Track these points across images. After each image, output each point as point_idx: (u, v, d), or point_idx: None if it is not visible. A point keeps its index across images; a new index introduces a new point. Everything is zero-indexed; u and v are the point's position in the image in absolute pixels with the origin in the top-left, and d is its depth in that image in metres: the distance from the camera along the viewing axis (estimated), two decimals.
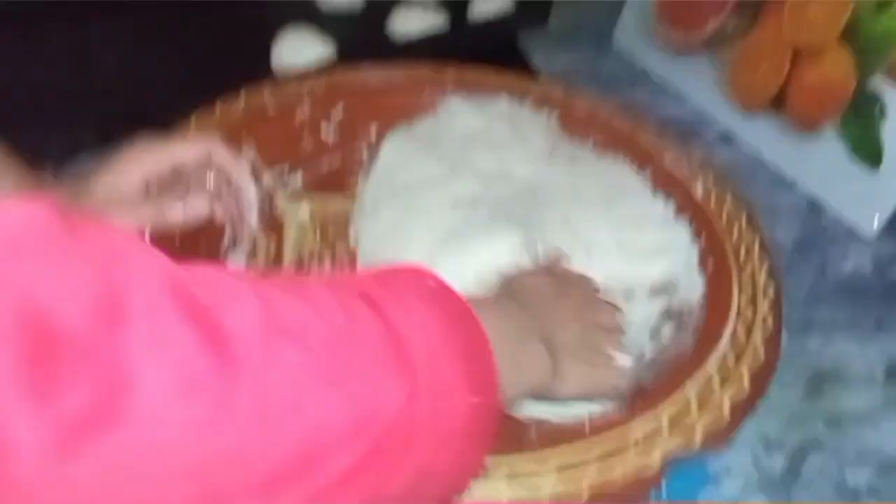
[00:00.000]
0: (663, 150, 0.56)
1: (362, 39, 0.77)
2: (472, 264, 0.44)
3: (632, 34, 0.83)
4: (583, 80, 0.79)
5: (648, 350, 0.47)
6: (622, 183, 0.55)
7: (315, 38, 0.69)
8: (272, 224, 0.55)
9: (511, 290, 0.41)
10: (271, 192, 0.56)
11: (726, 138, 0.73)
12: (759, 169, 0.70)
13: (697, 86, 0.75)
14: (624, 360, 0.41)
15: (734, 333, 0.44)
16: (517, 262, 0.45)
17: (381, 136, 0.61)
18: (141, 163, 0.45)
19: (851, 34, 0.62)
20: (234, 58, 0.70)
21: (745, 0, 0.71)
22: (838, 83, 0.63)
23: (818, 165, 0.67)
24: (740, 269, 0.48)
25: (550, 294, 0.41)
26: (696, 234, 0.52)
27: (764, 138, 0.70)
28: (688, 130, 0.73)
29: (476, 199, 0.51)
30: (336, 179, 0.60)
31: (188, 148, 0.47)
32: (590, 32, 0.87)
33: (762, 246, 0.49)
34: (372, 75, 0.62)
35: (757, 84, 0.70)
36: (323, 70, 0.62)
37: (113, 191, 0.44)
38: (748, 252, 0.48)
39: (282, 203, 0.57)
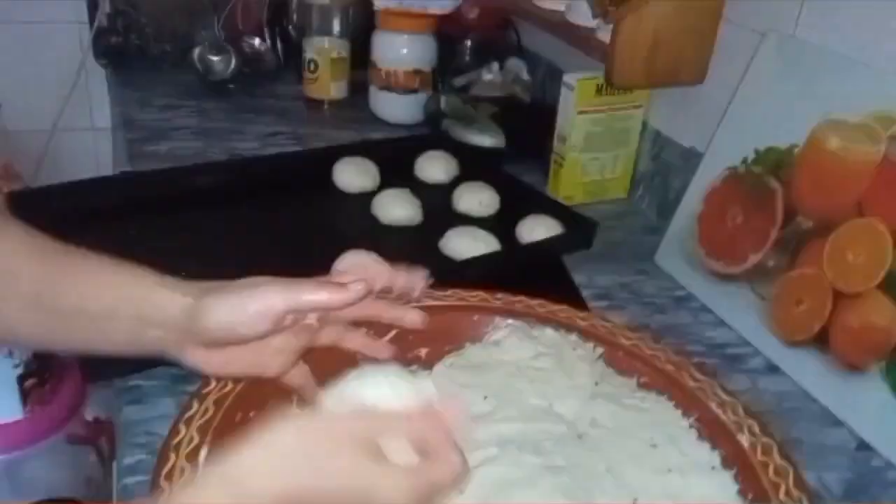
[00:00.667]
0: (708, 394, 0.57)
1: (417, 256, 0.82)
2: None
3: (673, 258, 0.86)
4: (624, 300, 0.82)
5: None
6: (667, 427, 0.56)
7: (372, 258, 0.74)
8: None
9: None
10: None
11: (772, 369, 0.73)
12: (805, 404, 0.70)
13: (740, 314, 0.77)
14: None
15: None
16: None
17: (430, 357, 0.63)
18: (268, 291, 0.46)
19: (892, 282, 0.64)
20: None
21: (785, 237, 0.74)
22: (881, 329, 0.64)
23: (865, 405, 0.66)
24: None
25: None
26: (743, 490, 0.51)
27: (809, 372, 0.70)
28: (732, 357, 0.74)
29: (520, 439, 0.52)
30: None
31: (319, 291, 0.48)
32: (631, 254, 0.91)
33: None
34: (425, 300, 0.66)
35: (799, 320, 0.71)
36: (381, 293, 0.66)
37: (233, 313, 0.46)
38: None
39: None
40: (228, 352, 0.48)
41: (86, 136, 1.61)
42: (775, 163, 0.76)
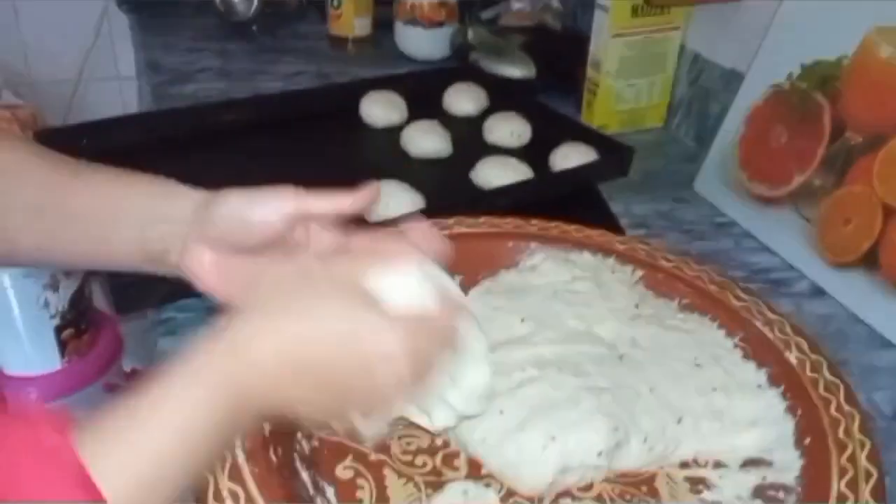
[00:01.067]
0: (754, 313, 0.55)
1: (448, 187, 0.80)
2: (558, 448, 0.43)
3: (713, 184, 0.83)
4: (663, 228, 0.80)
5: None
6: (711, 347, 0.54)
7: (404, 188, 0.73)
8: None
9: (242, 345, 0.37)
10: None
11: (817, 292, 0.71)
12: (853, 326, 0.67)
13: (784, 238, 0.75)
14: (366, 429, 0.41)
15: None
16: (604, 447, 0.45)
17: (464, 285, 0.62)
18: (282, 190, 0.45)
19: None
20: None
21: (832, 155, 0.71)
22: None
23: None
24: (840, 449, 0.45)
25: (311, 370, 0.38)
26: (791, 406, 0.50)
27: (857, 295, 0.68)
28: (776, 282, 0.72)
29: (560, 361, 0.51)
30: None
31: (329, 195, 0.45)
32: (669, 181, 0.88)
33: (862, 424, 0.47)
34: (458, 227, 0.64)
35: (847, 241, 0.68)
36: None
37: (246, 200, 0.45)
38: (847, 431, 0.46)
39: None
40: (229, 263, 0.46)
41: (111, 84, 1.61)
42: (822, 77, 0.72)
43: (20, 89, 1.43)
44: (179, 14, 1.35)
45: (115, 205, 0.46)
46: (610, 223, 0.75)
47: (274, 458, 0.44)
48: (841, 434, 0.46)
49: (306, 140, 0.89)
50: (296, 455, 0.47)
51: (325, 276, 0.40)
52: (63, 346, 1.22)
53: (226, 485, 0.41)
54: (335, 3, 1.22)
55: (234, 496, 0.40)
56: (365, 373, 0.38)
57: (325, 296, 0.39)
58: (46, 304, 1.17)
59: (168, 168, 0.84)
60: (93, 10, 1.51)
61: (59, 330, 1.20)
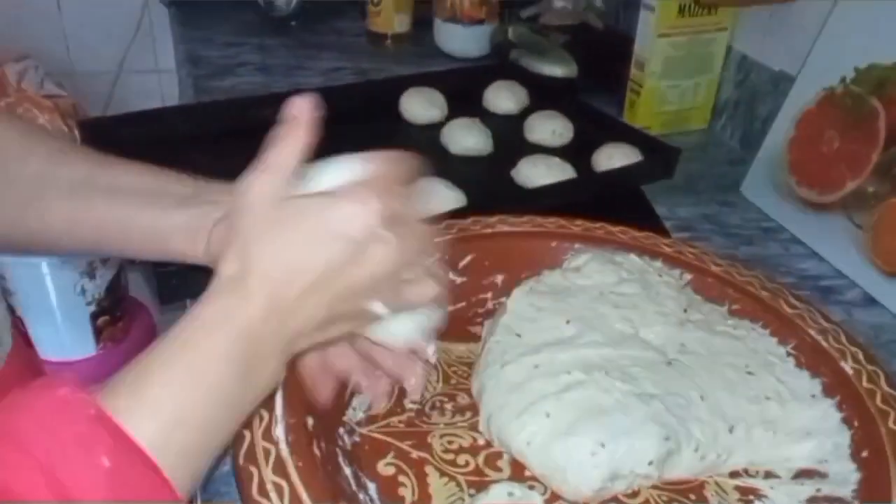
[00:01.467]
0: (807, 321, 0.54)
1: (489, 184, 0.79)
2: (608, 455, 0.42)
3: (760, 187, 0.82)
4: (708, 232, 0.78)
5: None
6: (762, 354, 0.53)
7: (445, 185, 0.72)
8: None
9: (245, 267, 0.38)
10: None
11: (868, 301, 0.69)
12: None
13: (834, 245, 0.73)
14: (378, 308, 0.41)
15: None
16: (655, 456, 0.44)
17: (506, 284, 0.61)
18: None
19: None
20: None
21: (886, 161, 0.69)
22: None
23: None
24: None
25: (300, 259, 0.38)
26: (848, 417, 0.48)
27: None
28: (825, 289, 0.70)
29: (607, 365, 0.50)
30: (460, 324, 0.60)
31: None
32: (713, 184, 0.86)
33: None
34: (501, 226, 0.63)
35: None
36: (453, 218, 0.64)
37: None
38: None
39: None
40: None
41: (150, 77, 1.62)
42: (877, 81, 0.70)
43: (61, 80, 1.45)
44: (219, 9, 1.36)
45: (150, 183, 0.47)
46: (655, 225, 0.74)
47: (318, 452, 0.43)
48: None
49: (345, 136, 0.88)
50: (338, 450, 0.46)
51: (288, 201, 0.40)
52: (98, 332, 1.23)
53: (270, 478, 0.40)
54: (375, 0, 1.22)
55: (279, 490, 0.40)
56: (359, 258, 0.39)
57: (292, 214, 0.39)
58: (83, 292, 1.18)
59: (206, 160, 0.84)
60: (134, 4, 1.52)
61: (94, 317, 1.22)
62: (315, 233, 0.38)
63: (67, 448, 0.31)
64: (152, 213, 0.46)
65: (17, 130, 0.49)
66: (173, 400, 0.34)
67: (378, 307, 0.41)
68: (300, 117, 0.42)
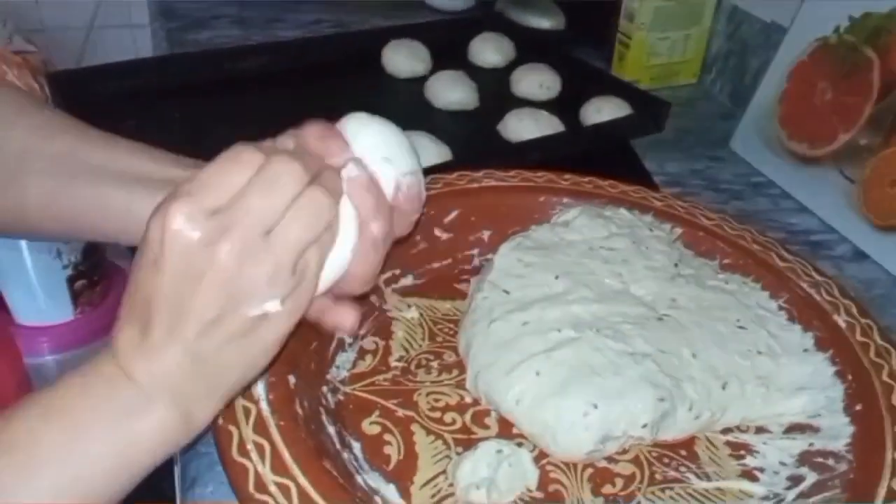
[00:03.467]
0: (800, 274, 0.53)
1: (476, 139, 0.77)
2: (601, 416, 0.41)
3: (750, 142, 0.80)
4: (698, 187, 0.77)
5: (790, 499, 0.43)
6: (754, 309, 0.52)
7: (430, 140, 0.70)
8: (381, 325, 0.54)
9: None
10: (382, 292, 0.56)
11: (859, 255, 0.68)
12: None
13: (824, 199, 0.72)
14: (276, 320, 0.35)
15: (889, 491, 0.40)
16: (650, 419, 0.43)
17: (493, 240, 0.59)
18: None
19: None
20: None
21: (880, 113, 0.67)
22: None
23: None
24: (894, 417, 0.43)
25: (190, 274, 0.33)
26: (841, 371, 0.47)
27: None
28: (816, 244, 0.69)
29: (598, 322, 0.48)
30: (446, 282, 0.59)
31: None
32: (703, 139, 0.85)
33: None
34: (488, 180, 0.62)
35: (893, 203, 0.65)
36: (439, 173, 0.62)
37: None
38: None
39: (391, 304, 0.56)
40: None
41: (124, 32, 1.56)
42: (873, 30, 0.69)
43: (31, 36, 1.39)
44: None
45: (150, 169, 0.43)
46: (644, 180, 0.72)
47: (300, 411, 0.42)
48: (894, 401, 0.44)
49: (326, 89, 0.86)
50: (322, 409, 0.45)
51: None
52: (76, 297, 1.21)
53: (251, 437, 0.39)
54: None
55: (260, 449, 0.38)
56: (185, 269, 0.33)
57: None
58: (59, 255, 1.15)
59: (182, 113, 0.81)
60: None
61: (71, 280, 1.19)
62: (143, 272, 0.34)
63: None
64: (134, 196, 0.42)
65: None
66: (36, 444, 0.32)
67: (274, 321, 0.35)
68: None
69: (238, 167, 0.34)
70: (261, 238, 0.33)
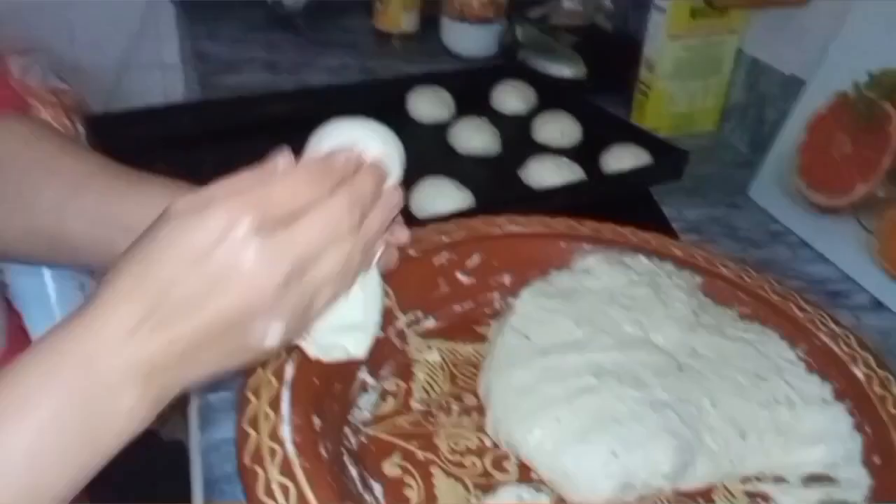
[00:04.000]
0: (818, 325, 0.53)
1: (497, 185, 0.79)
2: (621, 465, 0.42)
3: (769, 191, 0.81)
4: (717, 234, 0.78)
5: None
6: (773, 359, 0.52)
7: (453, 185, 0.71)
8: (402, 367, 0.55)
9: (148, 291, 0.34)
10: (404, 334, 0.57)
11: (876, 305, 0.68)
12: None
13: (843, 248, 0.72)
14: (266, 338, 0.36)
15: None
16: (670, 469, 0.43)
17: (514, 285, 0.60)
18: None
19: None
20: None
21: None
22: None
23: None
24: None
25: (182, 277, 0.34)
26: (859, 423, 0.48)
27: None
28: (834, 294, 0.70)
29: (618, 370, 0.49)
30: (467, 325, 0.60)
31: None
32: (722, 186, 0.86)
33: None
34: (509, 226, 0.63)
35: None
36: (461, 218, 0.63)
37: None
38: None
39: (413, 345, 0.57)
40: None
41: (154, 72, 1.61)
42: (891, 86, 0.70)
43: (65, 74, 1.44)
44: (226, 4, 1.35)
45: None
46: (663, 227, 0.73)
47: (324, 453, 0.43)
48: None
49: None
50: (344, 451, 0.46)
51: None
52: None
53: (276, 478, 0.40)
54: None
55: (285, 490, 0.39)
56: (221, 285, 0.34)
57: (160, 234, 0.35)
58: (82, 287, 1.18)
59: (214, 157, 0.84)
60: None
61: None
62: (170, 255, 0.35)
63: None
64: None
65: (35, 149, 0.48)
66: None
67: (261, 339, 0.37)
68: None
69: (309, 189, 0.37)
70: (299, 269, 0.36)
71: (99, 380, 0.34)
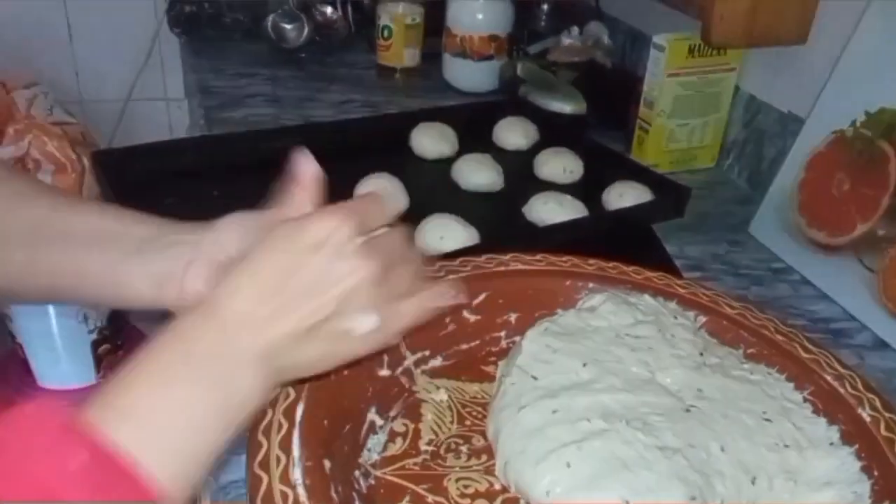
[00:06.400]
0: (823, 366, 0.54)
1: (502, 221, 0.80)
2: None
3: (769, 228, 0.82)
4: (719, 271, 0.78)
5: None
6: (779, 400, 0.52)
7: (458, 223, 0.72)
8: (410, 407, 0.55)
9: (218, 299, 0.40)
10: (412, 373, 0.57)
11: (879, 344, 0.69)
12: None
13: (844, 287, 0.73)
14: (366, 324, 0.41)
15: None
16: None
17: (520, 323, 0.61)
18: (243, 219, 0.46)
19: None
20: None
21: (895, 205, 0.69)
22: None
23: None
24: None
25: (277, 277, 0.40)
26: (867, 466, 0.48)
27: None
28: (836, 332, 0.70)
29: (627, 413, 0.49)
30: (474, 363, 0.60)
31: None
32: (722, 223, 0.87)
33: None
34: (515, 264, 0.63)
35: None
36: (467, 256, 0.64)
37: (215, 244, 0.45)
38: None
39: (420, 385, 0.57)
40: None
41: (158, 105, 1.63)
42: (888, 125, 0.71)
43: (70, 107, 1.45)
44: (230, 39, 1.37)
45: (117, 229, 0.46)
46: (666, 264, 0.74)
47: (335, 496, 0.43)
48: None
49: (358, 169, 0.89)
50: (354, 494, 0.46)
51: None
52: (99, 361, 1.22)
53: None
54: (385, 33, 1.23)
55: None
56: (329, 274, 0.40)
57: (267, 238, 0.41)
58: (85, 319, 1.18)
59: (220, 191, 0.84)
60: (144, 33, 1.54)
61: (95, 345, 1.21)
62: (285, 251, 0.40)
63: (38, 452, 0.32)
64: (109, 257, 0.45)
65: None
66: (148, 406, 0.36)
67: (362, 325, 0.42)
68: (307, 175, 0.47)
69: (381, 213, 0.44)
70: (385, 270, 0.41)
71: (233, 356, 0.39)
